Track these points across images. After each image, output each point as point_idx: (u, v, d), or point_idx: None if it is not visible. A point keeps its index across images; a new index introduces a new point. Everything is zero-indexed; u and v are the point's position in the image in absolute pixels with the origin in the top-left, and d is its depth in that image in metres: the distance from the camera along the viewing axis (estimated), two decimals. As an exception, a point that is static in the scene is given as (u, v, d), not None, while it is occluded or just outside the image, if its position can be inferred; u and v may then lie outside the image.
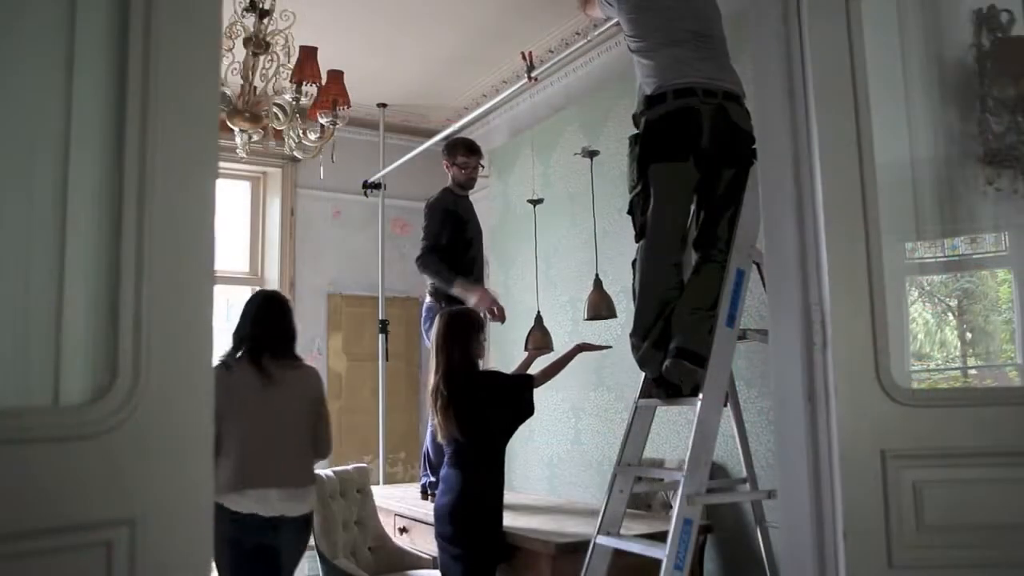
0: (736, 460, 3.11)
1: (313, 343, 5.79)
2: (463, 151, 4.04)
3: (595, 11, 3.07)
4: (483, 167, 4.14)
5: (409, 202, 5.71)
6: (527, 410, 2.95)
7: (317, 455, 2.98)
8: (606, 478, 2.74)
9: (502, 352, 4.96)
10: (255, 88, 3.47)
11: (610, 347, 3.20)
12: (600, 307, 3.35)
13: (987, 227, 2.12)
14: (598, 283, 3.37)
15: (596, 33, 3.28)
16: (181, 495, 1.26)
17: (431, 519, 3.13)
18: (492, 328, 4.99)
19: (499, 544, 2.94)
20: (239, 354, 2.86)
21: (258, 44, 3.38)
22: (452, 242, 3.91)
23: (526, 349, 3.53)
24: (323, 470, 3.80)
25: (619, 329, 3.93)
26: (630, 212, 2.69)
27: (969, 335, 2.32)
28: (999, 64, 2.01)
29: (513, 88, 4.11)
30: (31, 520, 1.14)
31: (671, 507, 2.93)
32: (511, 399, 2.96)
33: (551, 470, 4.54)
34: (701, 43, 2.67)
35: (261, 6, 3.35)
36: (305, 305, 5.78)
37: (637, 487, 2.73)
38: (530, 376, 3.03)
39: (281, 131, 3.64)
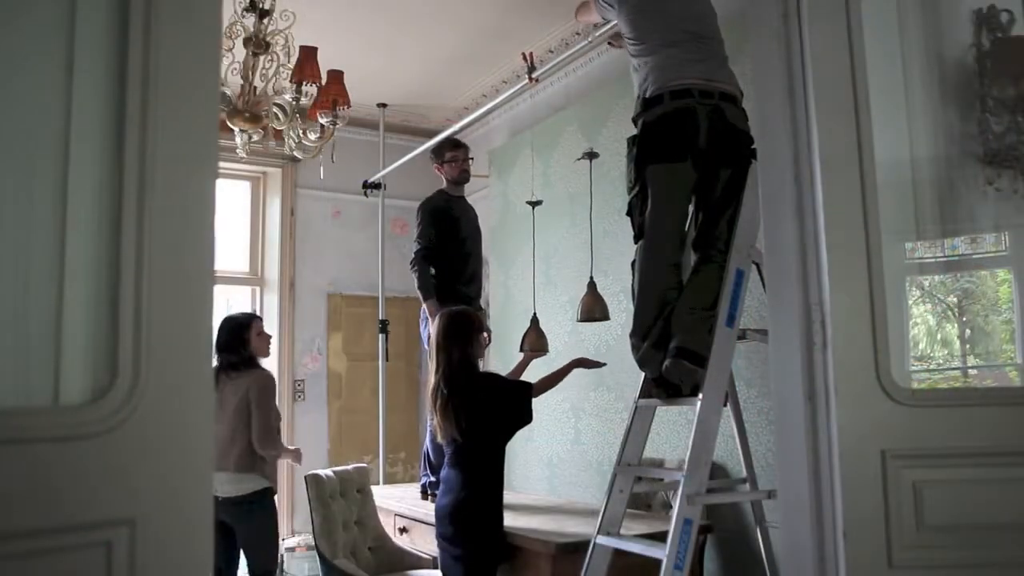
0: (736, 460, 3.10)
1: (313, 343, 5.79)
2: (449, 147, 4.15)
3: (589, 16, 3.09)
4: (473, 159, 4.19)
5: (409, 202, 5.68)
6: (525, 417, 2.95)
7: (256, 444, 3.44)
8: (606, 478, 2.75)
9: (501, 353, 4.96)
10: (255, 88, 3.47)
11: (605, 364, 3.21)
12: (594, 309, 3.36)
13: (987, 227, 2.12)
14: (592, 285, 3.38)
15: (597, 34, 3.28)
16: (181, 495, 1.26)
17: (431, 519, 3.13)
18: (492, 328, 4.99)
19: (499, 544, 2.94)
20: None
21: (258, 44, 3.37)
22: (444, 241, 3.95)
23: (521, 350, 3.53)
24: (323, 470, 3.80)
25: (618, 330, 3.93)
26: (629, 213, 2.70)
27: (969, 335, 2.32)
28: (999, 64, 2.01)
29: (513, 88, 4.11)
30: (31, 520, 1.14)
31: (671, 507, 2.93)
32: (510, 403, 2.96)
33: (551, 470, 4.54)
34: (698, 44, 2.67)
35: (261, 6, 3.35)
36: (305, 305, 5.78)
37: (637, 487, 2.72)
38: (529, 384, 3.03)
39: (281, 131, 3.63)
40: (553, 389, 3.16)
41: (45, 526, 1.15)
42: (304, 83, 3.49)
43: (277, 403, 3.73)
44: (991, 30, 2.03)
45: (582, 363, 3.13)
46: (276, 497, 3.62)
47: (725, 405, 2.61)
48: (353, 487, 3.80)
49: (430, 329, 3.55)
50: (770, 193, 1.88)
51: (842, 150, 1.74)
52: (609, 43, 3.19)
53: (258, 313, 5.24)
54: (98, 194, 1.26)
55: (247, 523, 3.43)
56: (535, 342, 3.52)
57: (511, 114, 5.40)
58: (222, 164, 1.59)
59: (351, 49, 4.64)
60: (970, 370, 2.32)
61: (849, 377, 1.68)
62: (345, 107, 3.68)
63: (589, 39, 3.45)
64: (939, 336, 2.32)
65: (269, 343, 3.76)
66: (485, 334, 3.72)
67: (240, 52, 3.40)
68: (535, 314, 3.61)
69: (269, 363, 3.79)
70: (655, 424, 2.82)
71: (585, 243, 4.06)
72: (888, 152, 1.81)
